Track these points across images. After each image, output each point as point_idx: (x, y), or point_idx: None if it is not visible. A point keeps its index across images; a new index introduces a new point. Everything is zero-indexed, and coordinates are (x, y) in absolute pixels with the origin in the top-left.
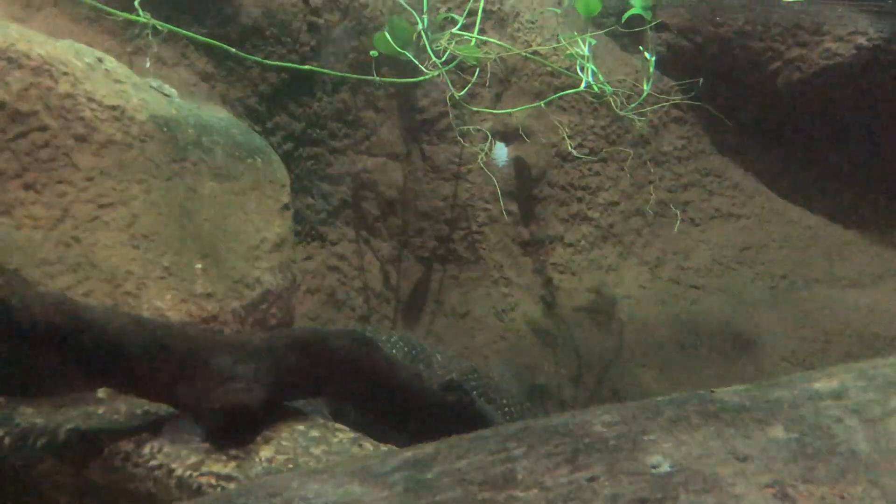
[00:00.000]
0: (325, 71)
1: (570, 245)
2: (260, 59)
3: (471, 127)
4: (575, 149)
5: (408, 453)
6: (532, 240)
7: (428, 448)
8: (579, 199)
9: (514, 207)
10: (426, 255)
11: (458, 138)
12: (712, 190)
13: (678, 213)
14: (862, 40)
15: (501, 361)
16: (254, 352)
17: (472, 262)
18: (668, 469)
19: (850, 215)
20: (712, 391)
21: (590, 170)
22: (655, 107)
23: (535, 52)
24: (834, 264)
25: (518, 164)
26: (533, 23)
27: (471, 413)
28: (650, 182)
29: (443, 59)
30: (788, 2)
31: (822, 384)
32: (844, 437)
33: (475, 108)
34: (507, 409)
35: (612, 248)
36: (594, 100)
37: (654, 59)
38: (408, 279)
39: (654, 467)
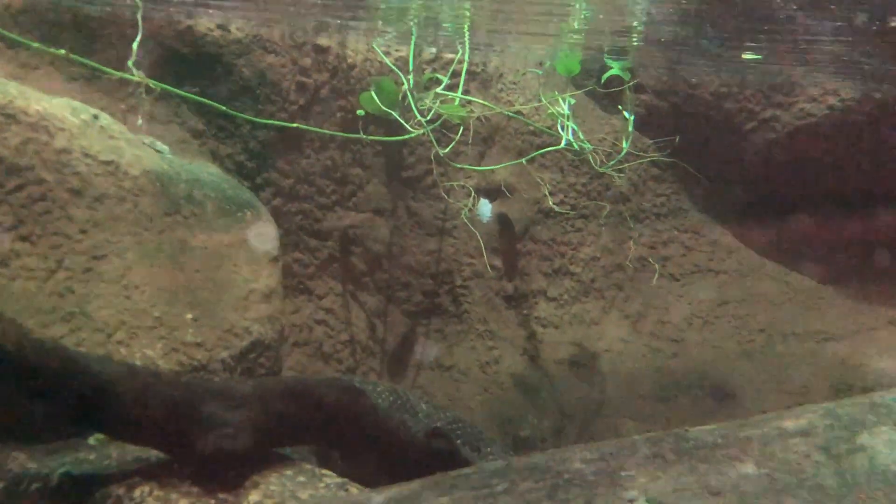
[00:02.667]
0: (314, 129)
1: (553, 299)
2: (250, 118)
3: (455, 183)
4: (557, 205)
5: (393, 490)
6: (516, 294)
7: (413, 485)
8: (562, 255)
9: (498, 262)
10: (412, 309)
11: (443, 195)
12: (691, 246)
13: (658, 267)
14: (834, 100)
15: (486, 413)
16: (242, 399)
17: (457, 316)
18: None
19: (826, 271)
20: (686, 430)
21: (571, 226)
22: (634, 164)
23: (517, 112)
24: (810, 319)
25: (502, 219)
26: (515, 83)
27: (455, 461)
28: (630, 238)
29: (428, 117)
30: (747, 59)
31: (791, 423)
32: (812, 472)
33: (459, 166)
34: (491, 458)
35: (594, 302)
36: (574, 157)
37: (632, 118)
38: (394, 332)
39: (630, 501)
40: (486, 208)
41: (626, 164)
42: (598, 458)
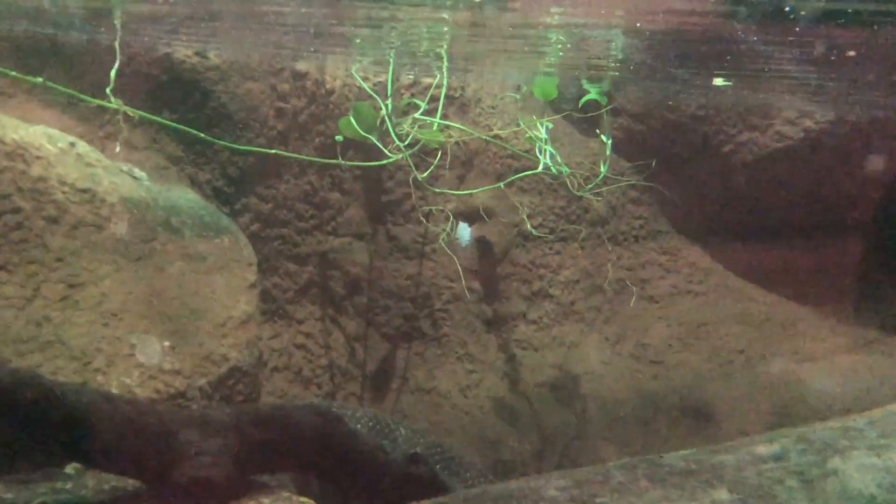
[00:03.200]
0: (292, 155)
1: (533, 322)
2: (228, 144)
3: (434, 208)
4: (535, 228)
5: None
6: (495, 317)
7: None
8: (541, 277)
9: (477, 285)
10: (391, 332)
11: (422, 219)
12: (669, 268)
13: (635, 290)
14: (809, 123)
15: (466, 436)
16: (220, 427)
17: (437, 340)
18: None
19: (804, 293)
20: (661, 456)
21: (550, 248)
22: (611, 187)
23: (495, 136)
24: (789, 340)
25: (481, 243)
26: (494, 108)
27: (434, 485)
28: (609, 260)
29: (406, 142)
30: (718, 85)
31: (764, 448)
32: (785, 497)
33: (438, 190)
34: (470, 482)
35: (574, 324)
36: (553, 181)
37: (609, 142)
38: (374, 356)
39: None
40: (465, 232)
41: (604, 188)
42: (572, 485)
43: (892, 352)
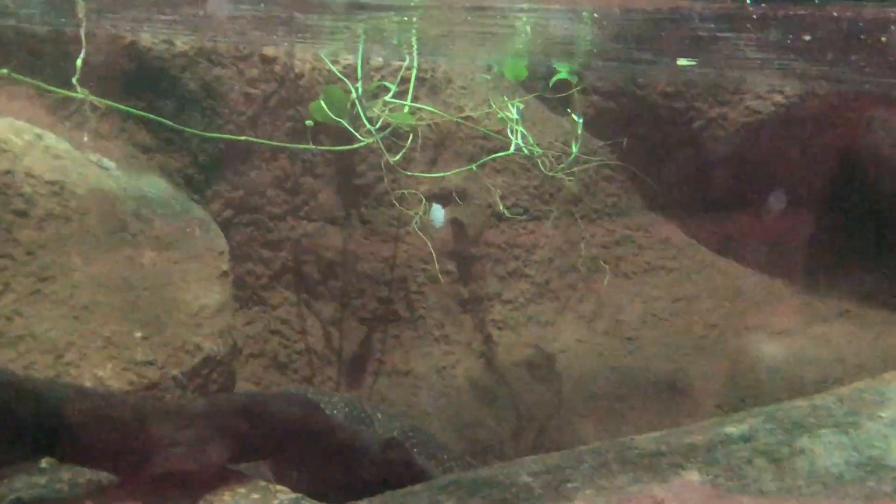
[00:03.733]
0: (262, 141)
1: (508, 302)
2: (197, 132)
3: (407, 191)
4: (509, 209)
5: None
6: (471, 298)
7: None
8: (515, 257)
9: (452, 267)
10: (367, 316)
11: (395, 202)
12: (643, 244)
13: (608, 268)
14: (779, 98)
15: (443, 418)
16: (194, 417)
17: (413, 322)
18: None
19: (777, 266)
20: (632, 438)
21: (525, 228)
22: (583, 167)
23: (467, 117)
24: (762, 313)
25: (455, 225)
26: (465, 88)
27: (411, 470)
28: (582, 239)
29: (377, 125)
30: (682, 65)
31: (733, 428)
32: (754, 477)
33: (410, 173)
34: (448, 465)
35: (549, 303)
36: (525, 161)
37: (581, 121)
38: (350, 340)
39: None
40: (438, 214)
41: (577, 167)
42: (544, 470)
43: (866, 322)
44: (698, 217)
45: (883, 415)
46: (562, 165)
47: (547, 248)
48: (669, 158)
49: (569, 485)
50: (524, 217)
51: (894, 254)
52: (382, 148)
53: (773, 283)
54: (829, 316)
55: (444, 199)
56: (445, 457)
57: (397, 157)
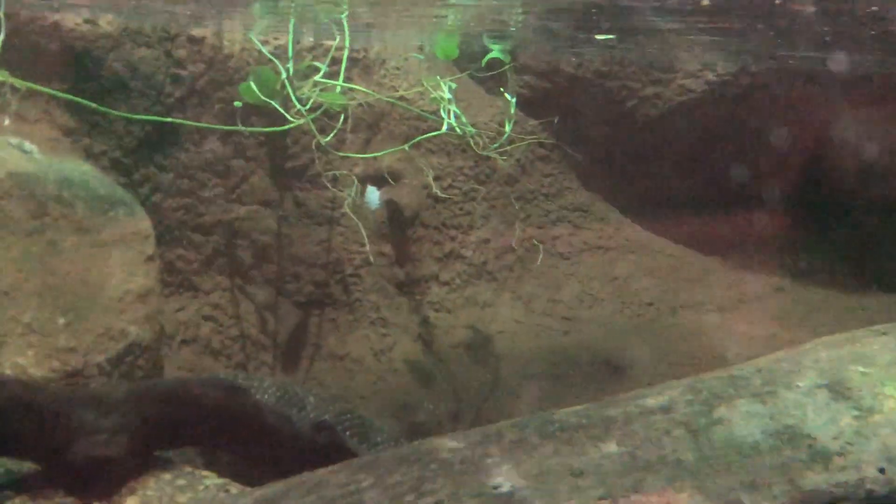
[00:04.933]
0: (190, 122)
1: (446, 283)
2: (123, 114)
3: (340, 172)
4: (445, 189)
5: (258, 492)
6: (407, 280)
7: (279, 486)
8: (452, 238)
9: (388, 249)
10: (303, 300)
11: (328, 185)
12: (579, 224)
13: (541, 248)
14: (711, 76)
15: (381, 401)
16: (116, 404)
17: (349, 305)
18: (509, 489)
19: (712, 244)
20: (553, 412)
21: (461, 209)
22: (517, 146)
23: (400, 98)
24: (697, 291)
25: (390, 206)
26: (399, 69)
27: (341, 452)
28: (518, 219)
29: (308, 106)
30: (601, 39)
31: (653, 400)
32: (672, 447)
33: (342, 154)
34: (381, 447)
35: (486, 284)
36: (459, 141)
37: (514, 100)
38: (285, 325)
39: (495, 488)
40: (373, 196)
41: (510, 147)
42: (464, 446)
43: (801, 298)
44: (633, 196)
45: (800, 384)
46: (495, 145)
47: (483, 229)
48: (604, 137)
49: (488, 460)
50: (460, 198)
51: (830, 232)
52: (314, 129)
53: (707, 261)
54: (764, 293)
55: (378, 180)
56: (379, 439)
57: (328, 137)
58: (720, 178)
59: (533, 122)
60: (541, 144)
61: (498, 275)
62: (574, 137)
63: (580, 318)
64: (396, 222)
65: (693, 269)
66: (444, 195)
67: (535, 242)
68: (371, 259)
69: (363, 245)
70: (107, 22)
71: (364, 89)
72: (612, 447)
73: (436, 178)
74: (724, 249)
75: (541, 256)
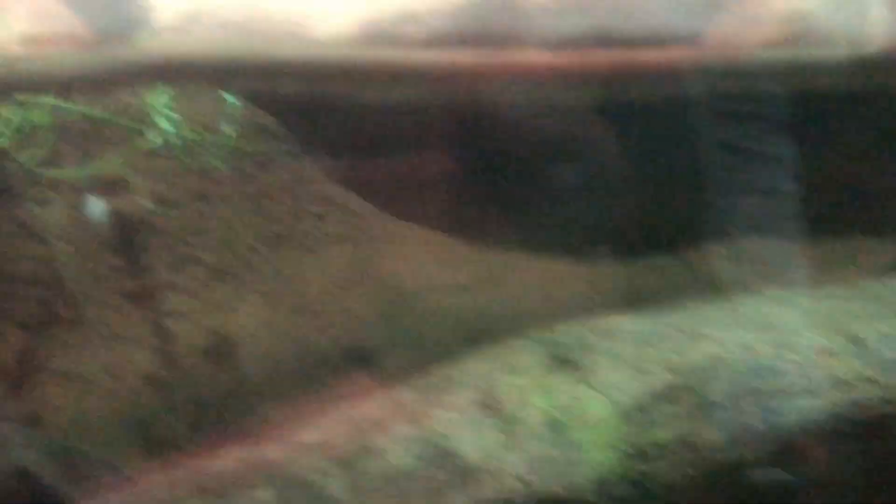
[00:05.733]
0: None
1: (182, 290)
2: None
3: (54, 189)
4: (176, 193)
5: None
6: (140, 291)
7: None
8: (186, 243)
9: (117, 261)
10: (27, 321)
11: (49, 198)
12: (323, 216)
13: (285, 243)
14: None
15: (116, 419)
16: None
17: (79, 322)
18: None
19: (456, 224)
20: (207, 463)
21: (196, 211)
22: (248, 145)
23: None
24: (445, 272)
25: (115, 216)
26: None
27: (48, 498)
28: (259, 216)
29: (14, 126)
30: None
31: (309, 436)
32: (324, 485)
33: (55, 168)
34: (101, 481)
35: (228, 286)
36: (187, 143)
37: (232, 98)
38: (10, 349)
39: None
40: (96, 207)
41: (230, 149)
42: None
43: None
44: (379, 183)
45: (455, 401)
46: (223, 144)
47: (222, 230)
48: (332, 127)
49: None
50: (195, 202)
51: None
52: (12, 151)
53: (454, 242)
54: (520, 267)
55: (102, 190)
56: (99, 473)
57: (35, 157)
58: (454, 156)
59: (268, 117)
60: (276, 139)
61: (240, 275)
62: (309, 130)
63: (328, 312)
64: (123, 232)
65: (439, 252)
66: (175, 199)
67: (280, 238)
68: (98, 273)
69: (90, 259)
70: None
71: (72, 105)
72: (267, 494)
73: (165, 182)
74: (468, 230)
75: (285, 252)
